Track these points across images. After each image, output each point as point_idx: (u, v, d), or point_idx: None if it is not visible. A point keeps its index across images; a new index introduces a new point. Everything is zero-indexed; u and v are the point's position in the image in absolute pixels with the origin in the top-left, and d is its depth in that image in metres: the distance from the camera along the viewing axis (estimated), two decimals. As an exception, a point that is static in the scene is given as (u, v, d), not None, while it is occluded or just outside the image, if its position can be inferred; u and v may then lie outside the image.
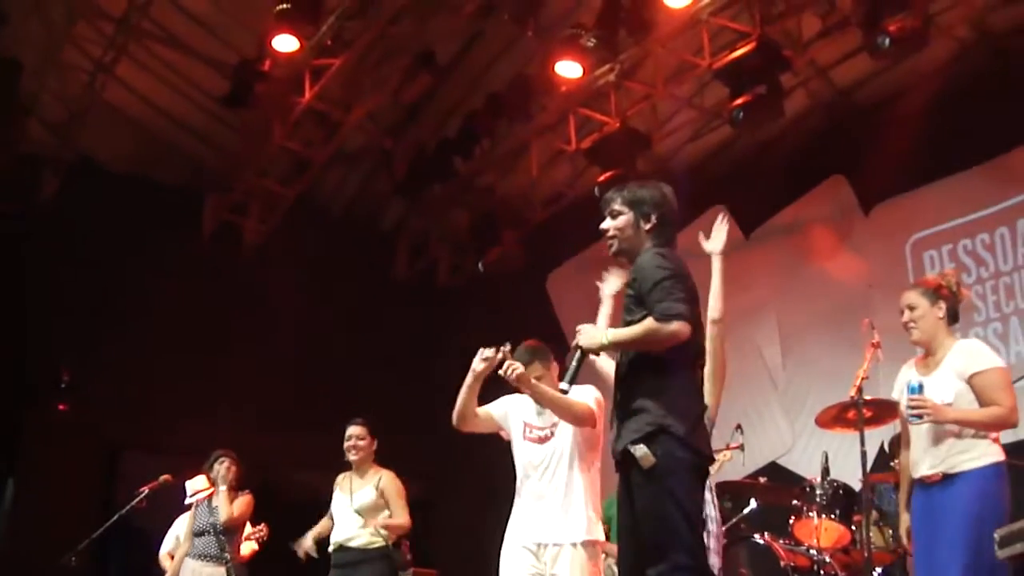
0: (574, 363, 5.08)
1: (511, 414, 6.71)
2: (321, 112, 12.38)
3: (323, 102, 12.15)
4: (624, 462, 4.90)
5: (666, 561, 4.66)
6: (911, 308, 5.93)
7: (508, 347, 6.33)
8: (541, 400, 6.37)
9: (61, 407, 12.51)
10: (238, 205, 13.76)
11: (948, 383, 5.72)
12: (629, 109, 11.70)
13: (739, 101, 10.49)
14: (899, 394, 6.02)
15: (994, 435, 5.71)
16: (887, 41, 9.28)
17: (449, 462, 14.05)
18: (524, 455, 6.59)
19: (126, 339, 12.74)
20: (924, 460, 5.78)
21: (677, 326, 4.74)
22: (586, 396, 6.41)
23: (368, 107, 12.45)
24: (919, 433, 5.83)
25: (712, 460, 5.15)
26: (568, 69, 11.22)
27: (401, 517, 8.21)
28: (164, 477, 9.46)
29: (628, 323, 4.97)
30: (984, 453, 5.64)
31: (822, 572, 8.05)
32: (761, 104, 10.42)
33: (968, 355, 5.80)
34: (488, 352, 6.34)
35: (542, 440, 6.53)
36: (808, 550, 8.26)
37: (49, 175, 12.56)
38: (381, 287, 14.94)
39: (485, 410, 6.72)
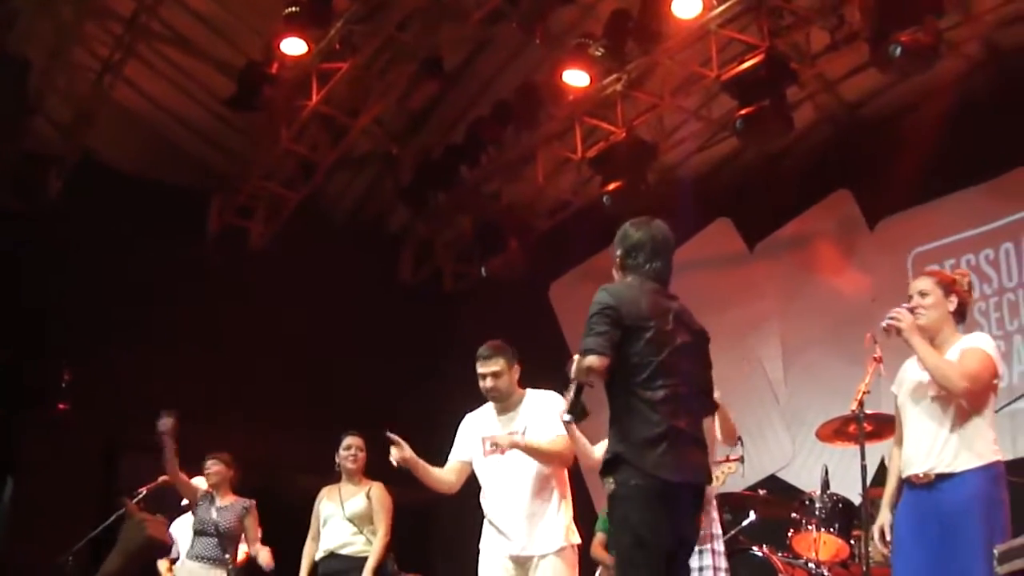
0: (571, 394, 5.09)
1: (471, 443, 6.76)
2: (328, 116, 12.37)
3: (330, 106, 12.15)
4: None
5: None
6: (923, 294, 5.78)
7: (388, 432, 6.62)
8: (532, 456, 6.40)
9: (61, 406, 12.49)
10: (243, 208, 13.77)
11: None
12: (636, 119, 11.69)
13: (742, 112, 10.49)
14: (897, 387, 5.91)
15: (992, 435, 5.58)
16: (899, 50, 9.21)
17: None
18: (489, 471, 6.63)
19: (128, 339, 12.73)
20: (918, 458, 5.63)
21: (589, 360, 4.90)
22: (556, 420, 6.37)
23: (375, 112, 12.46)
24: (915, 431, 5.69)
25: (676, 482, 5.01)
26: (575, 78, 11.22)
27: (382, 531, 8.32)
28: (163, 478, 9.44)
29: None
30: (983, 452, 5.49)
31: (820, 586, 8.06)
32: (764, 116, 10.40)
33: (969, 339, 5.70)
34: (394, 454, 6.62)
35: (504, 451, 6.57)
36: (806, 563, 8.26)
37: (55, 174, 12.56)
38: (385, 292, 14.93)
39: (454, 463, 6.85)
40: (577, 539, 6.52)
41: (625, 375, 4.96)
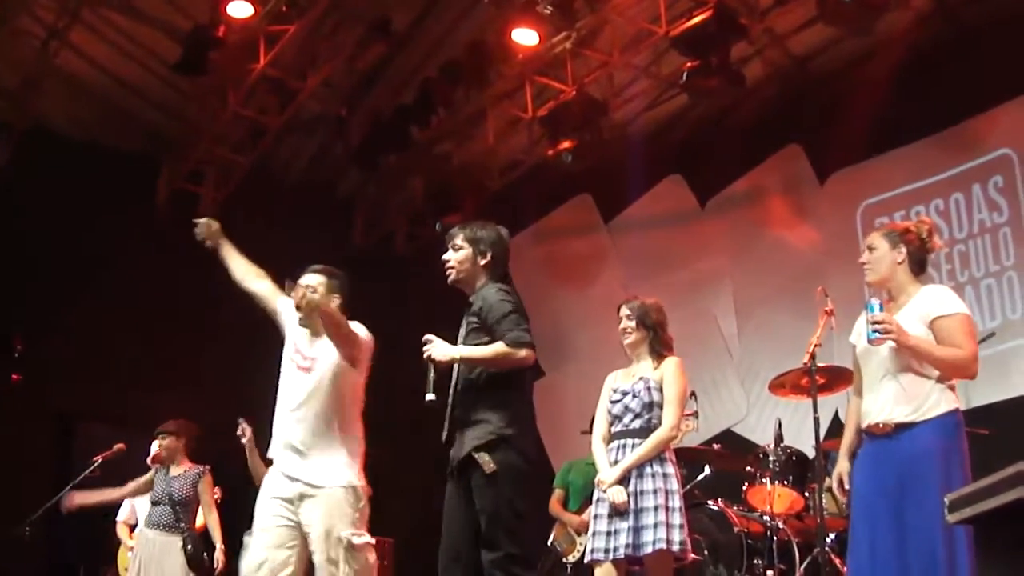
0: (431, 374, 5.60)
1: (287, 322, 6.77)
2: (276, 79, 12.25)
3: (278, 69, 12.04)
4: (464, 467, 5.54)
5: (500, 550, 5.37)
6: (870, 249, 5.78)
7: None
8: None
9: (14, 377, 12.40)
10: (193, 173, 13.68)
11: (909, 327, 5.50)
12: (586, 77, 11.68)
13: (688, 65, 10.52)
14: (856, 337, 5.83)
15: (951, 382, 5.56)
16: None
17: (403, 430, 14.03)
18: (288, 381, 6.34)
19: (80, 308, 12.63)
20: (877, 408, 5.61)
21: (526, 353, 5.50)
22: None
23: (323, 74, 12.35)
24: (875, 380, 5.66)
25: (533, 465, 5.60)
26: (525, 37, 11.20)
27: None
28: (118, 446, 9.46)
29: (476, 344, 5.65)
30: (941, 400, 5.48)
31: (775, 538, 8.13)
32: (709, 70, 10.44)
33: (933, 299, 5.62)
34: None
35: (306, 370, 6.27)
36: (761, 516, 8.34)
37: (2, 142, 12.43)
38: (338, 255, 14.78)
39: (272, 291, 7.15)
40: (361, 480, 6.12)
41: (525, 368, 5.57)
